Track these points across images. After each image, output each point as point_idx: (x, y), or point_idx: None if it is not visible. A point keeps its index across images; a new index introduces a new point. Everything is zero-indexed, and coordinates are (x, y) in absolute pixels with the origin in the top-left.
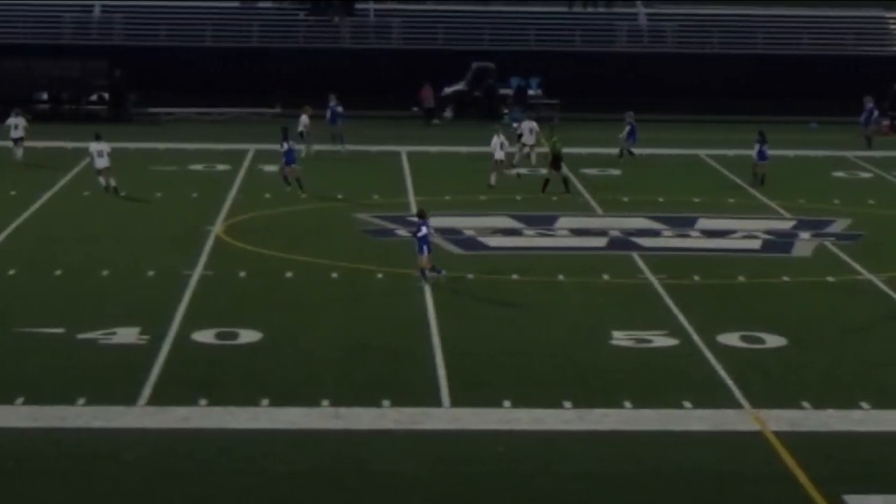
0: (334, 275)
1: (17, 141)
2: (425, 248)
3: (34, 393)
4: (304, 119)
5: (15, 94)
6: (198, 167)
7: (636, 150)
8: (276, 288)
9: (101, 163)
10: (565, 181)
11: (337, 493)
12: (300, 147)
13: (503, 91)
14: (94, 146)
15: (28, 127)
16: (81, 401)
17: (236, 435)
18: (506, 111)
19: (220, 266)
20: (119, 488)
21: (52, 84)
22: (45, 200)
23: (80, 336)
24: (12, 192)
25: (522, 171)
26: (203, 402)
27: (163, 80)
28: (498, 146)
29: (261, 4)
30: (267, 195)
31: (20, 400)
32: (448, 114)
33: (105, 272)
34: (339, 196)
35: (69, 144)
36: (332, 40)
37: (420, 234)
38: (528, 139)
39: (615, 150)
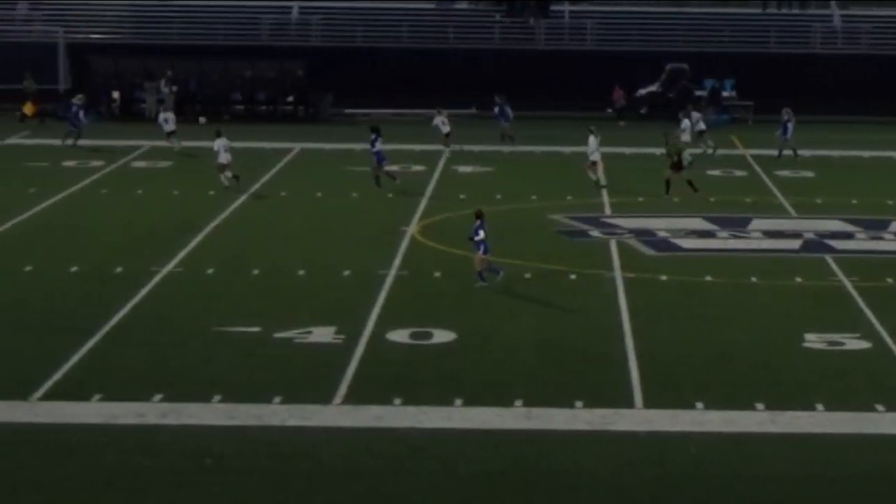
0: (528, 275)
1: (170, 134)
2: (482, 247)
3: (231, 391)
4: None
5: (212, 96)
6: (393, 168)
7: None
8: (470, 288)
9: (225, 158)
10: (690, 182)
11: (528, 494)
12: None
13: (697, 92)
14: (219, 142)
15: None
16: (277, 399)
17: (429, 434)
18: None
19: (415, 266)
20: (313, 486)
21: (249, 85)
22: (243, 201)
23: (277, 335)
24: (210, 192)
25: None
26: (397, 401)
27: (359, 81)
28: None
29: (457, 6)
30: (461, 196)
31: (217, 398)
32: (644, 110)
33: (301, 272)
34: (533, 197)
35: (266, 145)
36: (527, 42)
37: (477, 238)
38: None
39: (808, 153)
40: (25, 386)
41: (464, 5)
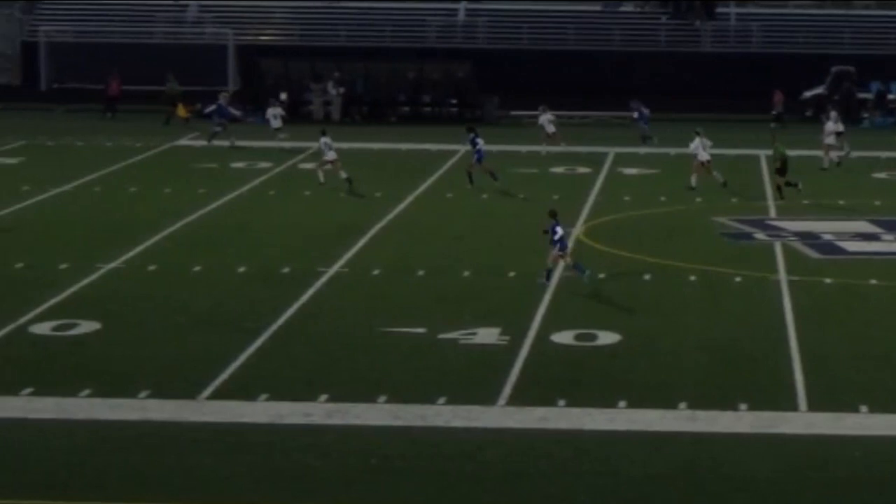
0: (692, 277)
1: (277, 130)
2: (558, 245)
3: (396, 392)
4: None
5: (379, 97)
6: (559, 170)
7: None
8: (635, 290)
9: (331, 155)
10: (779, 187)
11: (692, 497)
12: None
13: (862, 95)
14: (324, 140)
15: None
16: (442, 400)
17: (593, 436)
18: (866, 115)
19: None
20: (477, 487)
21: (415, 87)
22: (410, 201)
23: (442, 336)
24: (377, 194)
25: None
26: (561, 402)
27: (525, 83)
28: (700, 147)
29: (623, 8)
30: (626, 197)
31: (383, 398)
32: (809, 113)
33: (467, 273)
34: (698, 199)
35: (432, 147)
36: (692, 44)
37: (556, 238)
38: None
39: None
40: (194, 385)
41: (630, 7)
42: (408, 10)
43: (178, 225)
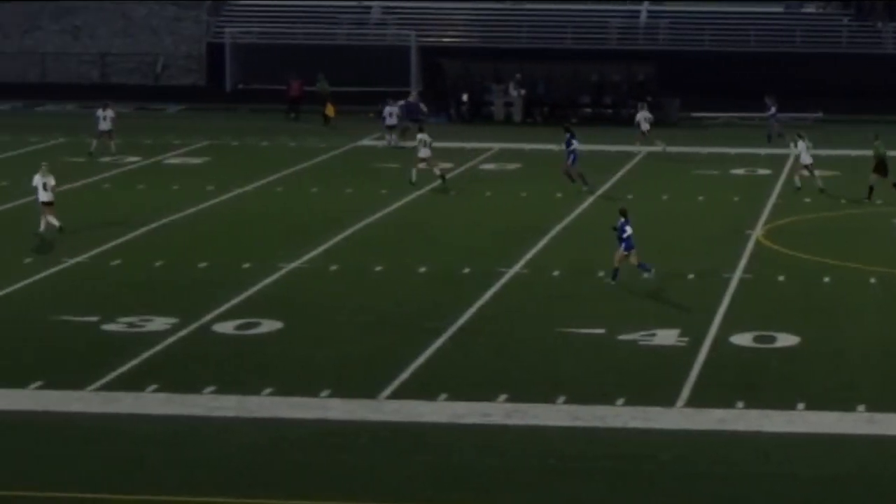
0: (872, 280)
1: (391, 128)
2: (624, 245)
3: (575, 392)
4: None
5: (560, 99)
6: (739, 171)
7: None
8: (814, 292)
9: (425, 153)
10: (871, 189)
11: (871, 499)
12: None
13: None
14: (420, 136)
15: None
16: (620, 401)
17: (771, 438)
18: None
19: (759, 269)
20: (654, 488)
21: (596, 89)
22: (590, 202)
23: (621, 337)
24: (558, 195)
25: None
26: (740, 404)
27: (706, 85)
28: (804, 151)
29: (805, 9)
30: (807, 199)
31: (561, 399)
32: None
33: (646, 274)
34: (879, 201)
35: (612, 148)
36: (874, 45)
37: (624, 236)
38: None
39: None
40: (374, 385)
41: (811, 9)
42: (589, 11)
43: (359, 225)
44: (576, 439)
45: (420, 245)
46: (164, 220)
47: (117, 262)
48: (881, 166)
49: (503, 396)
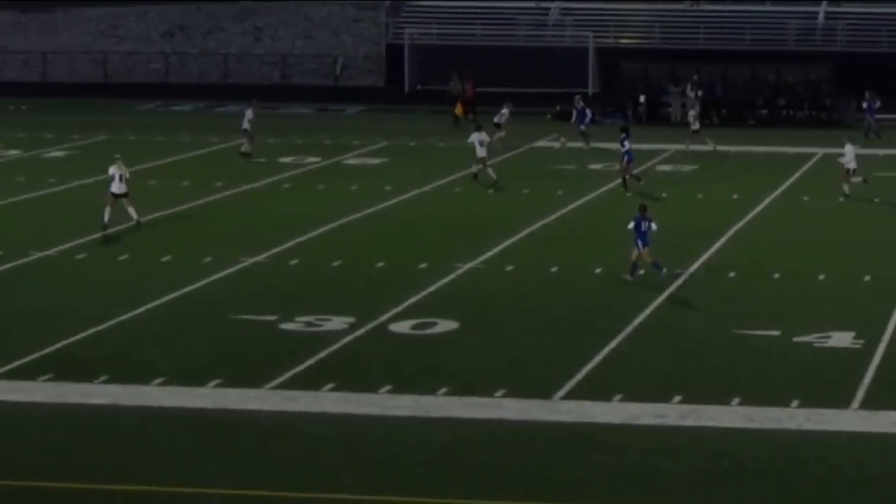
0: None
1: (498, 125)
2: (640, 242)
3: (749, 394)
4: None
5: (738, 100)
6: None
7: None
8: None
9: (481, 152)
10: None
11: None
12: None
13: None
14: (477, 136)
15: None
16: (795, 403)
17: None
18: None
19: None
20: (828, 491)
21: (773, 90)
22: (766, 204)
23: (796, 339)
24: (734, 196)
25: None
26: None
27: (885, 87)
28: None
29: None
30: None
31: (736, 400)
32: None
33: (821, 276)
34: None
35: (789, 150)
36: None
37: (643, 230)
38: None
39: None
40: (549, 385)
41: None
42: (768, 12)
43: (535, 226)
44: (750, 441)
45: (596, 246)
46: (343, 220)
47: (295, 261)
48: None
49: (678, 397)
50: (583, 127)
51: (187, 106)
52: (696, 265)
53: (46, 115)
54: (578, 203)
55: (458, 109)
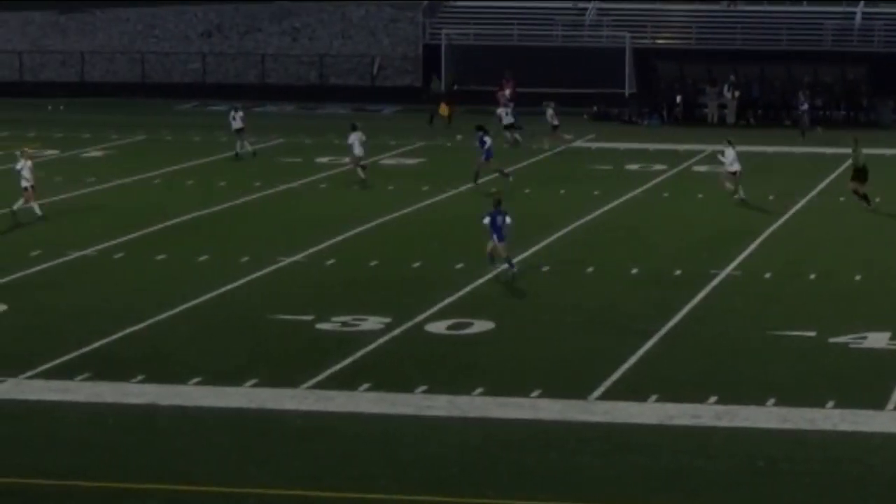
0: None
1: (508, 128)
2: (496, 236)
3: (784, 394)
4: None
5: (774, 101)
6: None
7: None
8: None
9: (359, 150)
10: (865, 196)
11: None
12: None
13: None
14: (353, 136)
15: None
16: (830, 404)
17: None
18: None
19: None
20: (864, 492)
21: (810, 91)
22: (803, 204)
23: (832, 339)
24: (770, 197)
25: None
26: None
27: None
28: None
29: None
30: None
31: (771, 401)
32: None
33: (857, 276)
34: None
35: (827, 150)
36: None
37: (498, 224)
38: None
39: None
40: (584, 385)
41: None
42: (804, 13)
43: (572, 226)
44: (785, 441)
45: (631, 246)
46: (379, 221)
47: (332, 261)
48: (860, 172)
49: (713, 398)
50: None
51: (224, 106)
52: (732, 266)
53: (84, 115)
54: (615, 203)
55: (443, 109)
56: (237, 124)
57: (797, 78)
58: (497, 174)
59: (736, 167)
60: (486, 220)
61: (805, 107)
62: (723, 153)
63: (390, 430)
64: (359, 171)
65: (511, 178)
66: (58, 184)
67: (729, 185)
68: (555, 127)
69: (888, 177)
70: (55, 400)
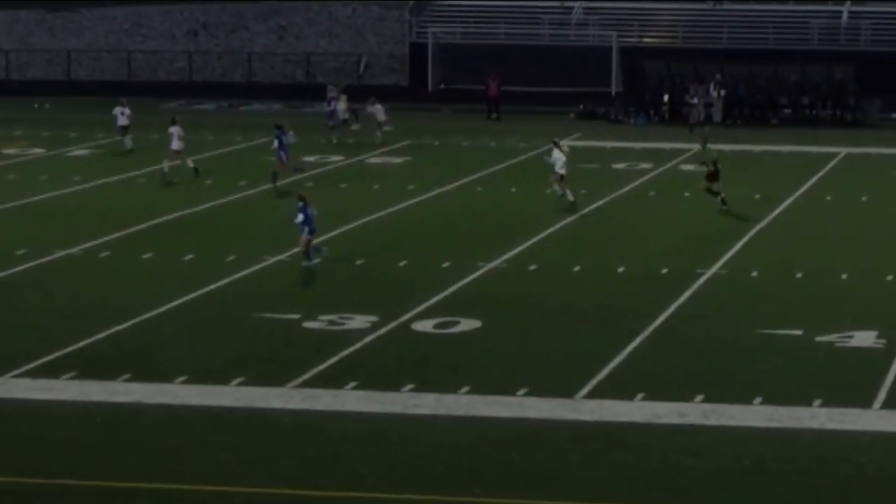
0: None
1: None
2: (307, 228)
3: (771, 393)
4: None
5: (760, 100)
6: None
7: None
8: None
9: (177, 145)
10: (719, 195)
11: None
12: None
13: None
14: (174, 129)
15: None
16: (817, 402)
17: None
18: None
19: None
20: (851, 491)
21: (796, 90)
22: (789, 203)
23: (818, 338)
24: (756, 196)
25: None
26: None
27: None
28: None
29: None
30: None
31: (758, 400)
32: None
33: (844, 276)
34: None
35: (812, 149)
36: None
37: (297, 221)
38: None
39: None
40: (571, 384)
41: None
42: (790, 12)
43: (558, 225)
44: (772, 440)
45: (619, 245)
46: (365, 219)
47: (318, 260)
48: (714, 173)
49: (700, 397)
50: (331, 122)
51: (211, 105)
52: (718, 264)
53: (70, 114)
54: (601, 202)
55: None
56: (123, 121)
57: (783, 77)
58: (294, 172)
59: (563, 170)
60: (300, 219)
61: (695, 100)
62: (549, 154)
63: (377, 428)
64: (164, 167)
65: (304, 172)
66: (43, 182)
67: (556, 188)
68: (381, 123)
69: (874, 176)
70: (41, 399)
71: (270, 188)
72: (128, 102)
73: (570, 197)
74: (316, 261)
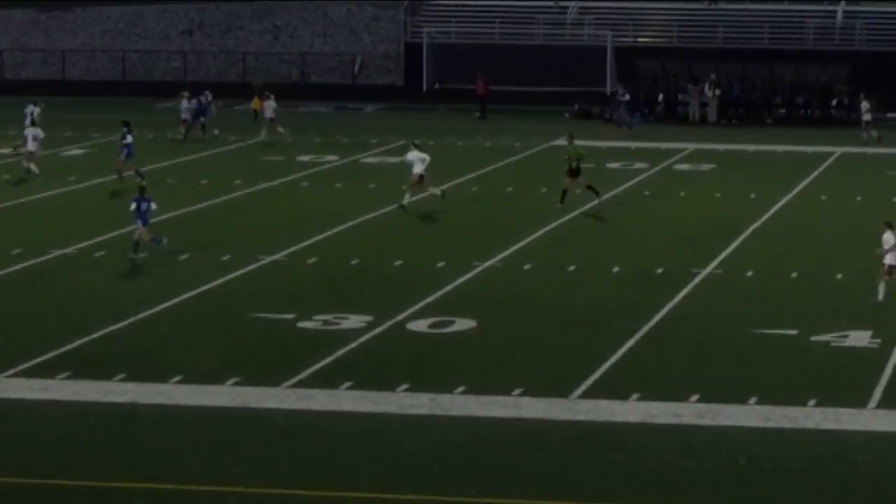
0: None
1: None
2: (140, 221)
3: (767, 393)
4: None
5: (755, 100)
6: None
7: None
8: None
9: (33, 146)
10: (590, 186)
11: None
12: None
13: None
14: (30, 131)
15: None
16: (812, 402)
17: None
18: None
19: None
20: (846, 490)
21: (791, 89)
22: (784, 203)
23: (813, 338)
24: (752, 195)
25: None
26: None
27: None
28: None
29: None
30: None
31: (753, 399)
32: None
33: (839, 275)
34: None
35: (807, 149)
36: None
37: (143, 210)
38: None
39: None
40: (567, 383)
41: None
42: (785, 11)
43: (553, 224)
44: (767, 440)
45: (614, 245)
46: (360, 219)
47: (313, 259)
48: (575, 169)
49: (695, 397)
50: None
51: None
52: (713, 264)
53: (65, 114)
54: (596, 202)
55: (255, 103)
56: (30, 121)
57: (778, 76)
58: (133, 172)
59: (420, 169)
60: (133, 207)
61: (626, 97)
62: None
63: (372, 428)
64: (26, 162)
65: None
66: (38, 182)
67: (407, 194)
68: (272, 120)
69: (868, 176)
70: (36, 398)
71: (268, 187)
72: (40, 101)
73: (406, 201)
74: (142, 255)
